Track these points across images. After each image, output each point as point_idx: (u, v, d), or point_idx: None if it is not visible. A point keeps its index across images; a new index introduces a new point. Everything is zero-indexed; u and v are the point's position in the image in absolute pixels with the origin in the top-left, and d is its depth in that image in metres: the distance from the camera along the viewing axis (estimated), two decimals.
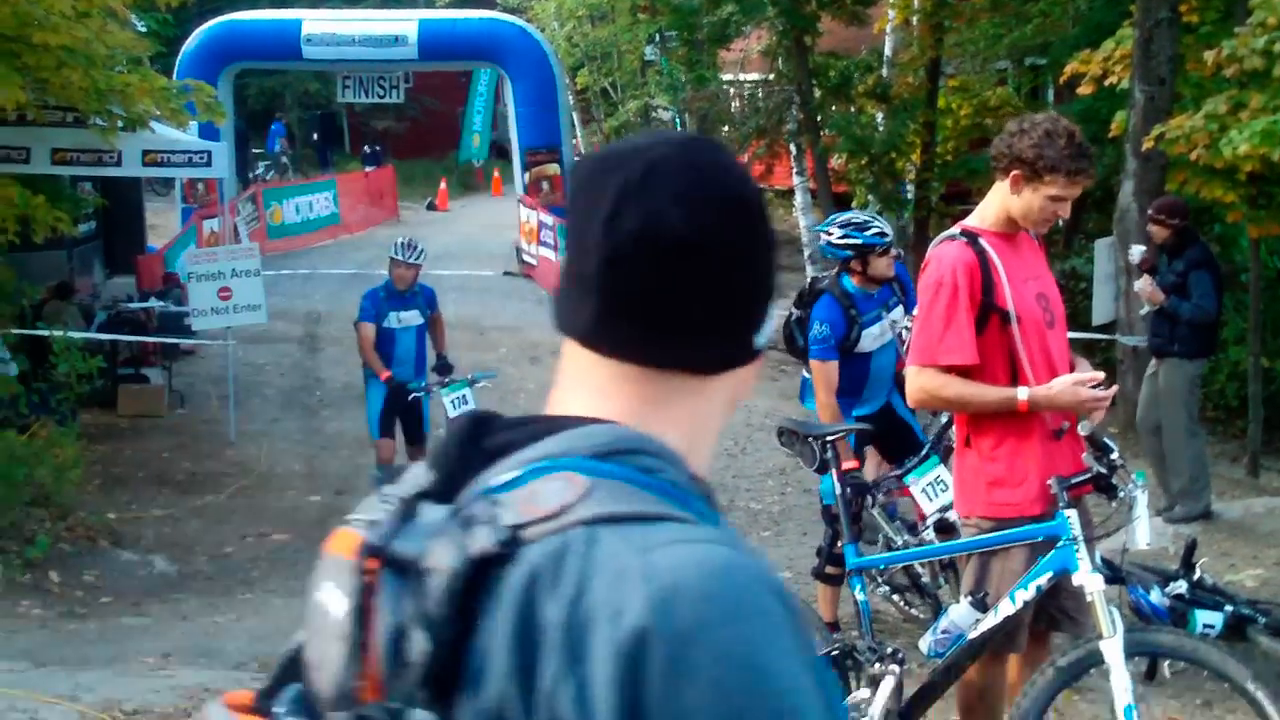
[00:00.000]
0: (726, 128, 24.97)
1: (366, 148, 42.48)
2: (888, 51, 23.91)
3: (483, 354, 21.55)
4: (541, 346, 22.28)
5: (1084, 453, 5.39)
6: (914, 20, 23.12)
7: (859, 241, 8.27)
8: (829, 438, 5.92)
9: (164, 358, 18.14)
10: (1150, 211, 11.49)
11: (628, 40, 33.22)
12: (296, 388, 19.16)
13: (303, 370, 20.26)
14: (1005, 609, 5.26)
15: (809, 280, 8.79)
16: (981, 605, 5.35)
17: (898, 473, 8.00)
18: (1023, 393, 5.22)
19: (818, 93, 21.11)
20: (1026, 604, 5.24)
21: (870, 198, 22.48)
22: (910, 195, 22.83)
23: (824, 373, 8.14)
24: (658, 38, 31.72)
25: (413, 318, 12.69)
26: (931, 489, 7.97)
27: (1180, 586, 8.05)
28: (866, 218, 8.62)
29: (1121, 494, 5.34)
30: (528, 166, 29.13)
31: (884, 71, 23.18)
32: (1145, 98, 14.24)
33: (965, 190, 23.82)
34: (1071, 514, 5.17)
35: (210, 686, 8.22)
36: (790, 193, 31.18)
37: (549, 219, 26.99)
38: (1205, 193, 14.67)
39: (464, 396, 12.49)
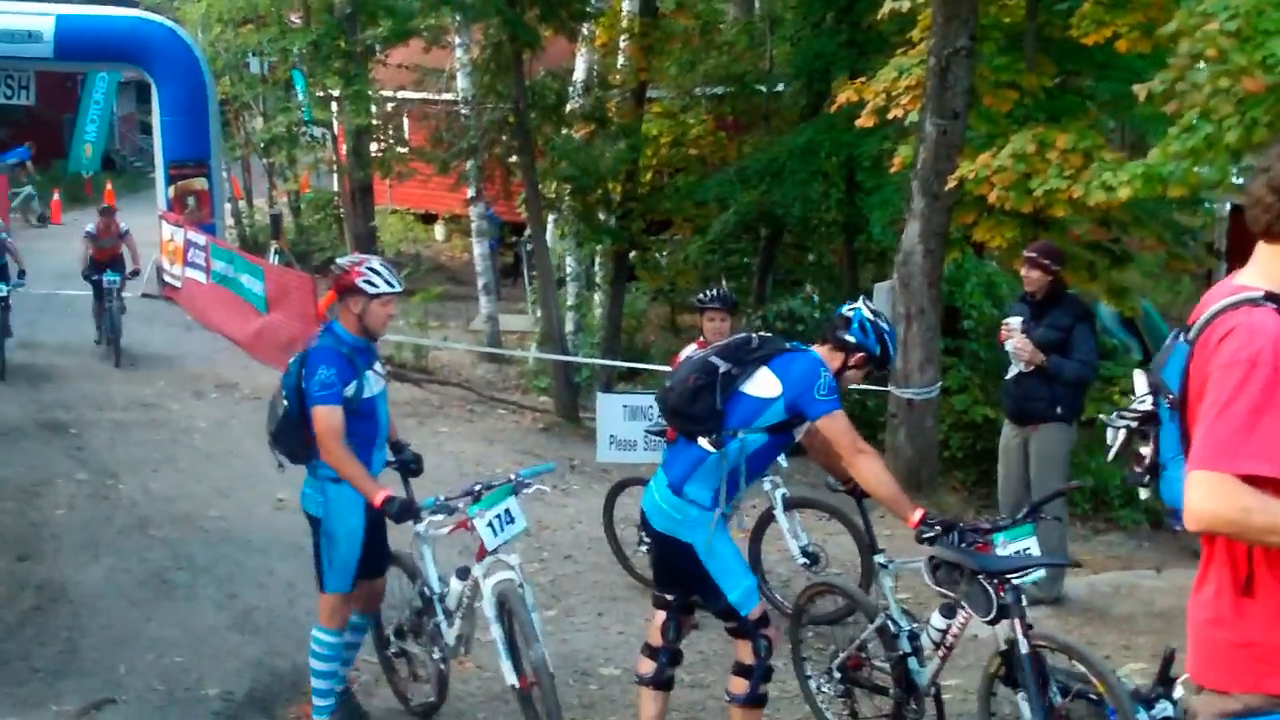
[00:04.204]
0: (434, 145, 23.07)
1: None
2: (579, 72, 22.60)
3: (139, 388, 19.18)
4: (204, 379, 20.12)
5: None
6: (623, 41, 21.89)
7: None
8: (1012, 577, 4.35)
9: None
10: (1028, 253, 10.20)
11: (275, 52, 30.96)
12: None
13: None
14: None
15: (752, 336, 7.12)
16: None
17: (985, 527, 6.50)
18: None
19: (532, 113, 19.52)
20: None
21: (580, 227, 21.06)
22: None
23: (849, 428, 6.75)
24: (298, 52, 29.51)
25: (380, 378, 8.03)
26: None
27: (1167, 709, 6.78)
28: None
29: None
30: (173, 180, 26.93)
31: (589, 94, 21.81)
32: (937, 131, 13.22)
33: (666, 221, 22.83)
34: None
35: None
36: (454, 218, 29.71)
37: (200, 238, 24.74)
38: (998, 239, 13.85)
39: (508, 512, 7.79)
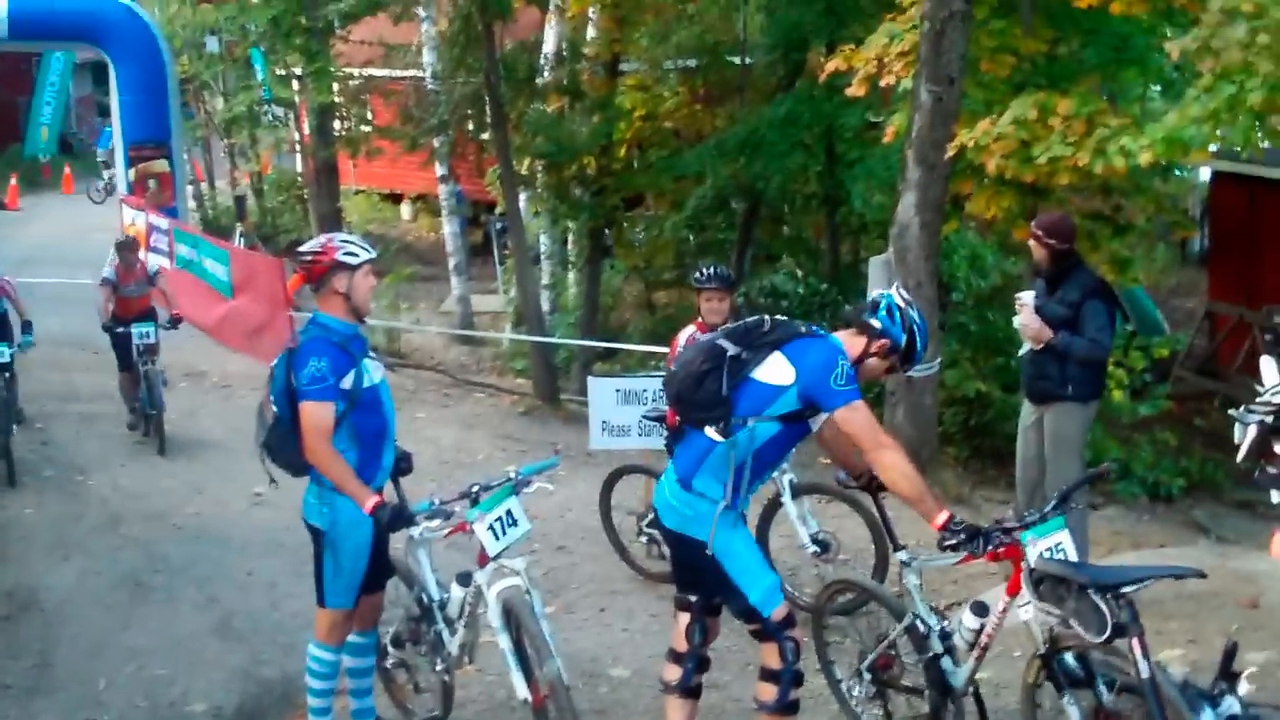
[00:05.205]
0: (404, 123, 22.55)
1: None
2: (549, 44, 22.02)
3: (106, 377, 18.42)
4: (171, 368, 19.40)
5: None
6: (593, 12, 21.36)
7: None
8: (1127, 590, 3.90)
9: None
10: (1033, 228, 9.73)
11: (234, 30, 30.20)
12: None
13: None
14: None
15: (765, 318, 6.64)
16: None
17: (1009, 525, 6.06)
18: None
19: (504, 87, 19.00)
20: None
21: (555, 204, 20.58)
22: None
23: (870, 420, 6.30)
24: (257, 30, 28.76)
25: (378, 365, 7.28)
26: (1051, 555, 6.03)
27: (1233, 706, 6.30)
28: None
29: None
30: (132, 163, 26.30)
31: (562, 66, 21.29)
32: (933, 99, 12.74)
33: (639, 198, 22.36)
34: None
35: None
36: (420, 197, 29.06)
37: (162, 222, 24.02)
38: (994, 209, 13.42)
39: (510, 514, 7.18)
